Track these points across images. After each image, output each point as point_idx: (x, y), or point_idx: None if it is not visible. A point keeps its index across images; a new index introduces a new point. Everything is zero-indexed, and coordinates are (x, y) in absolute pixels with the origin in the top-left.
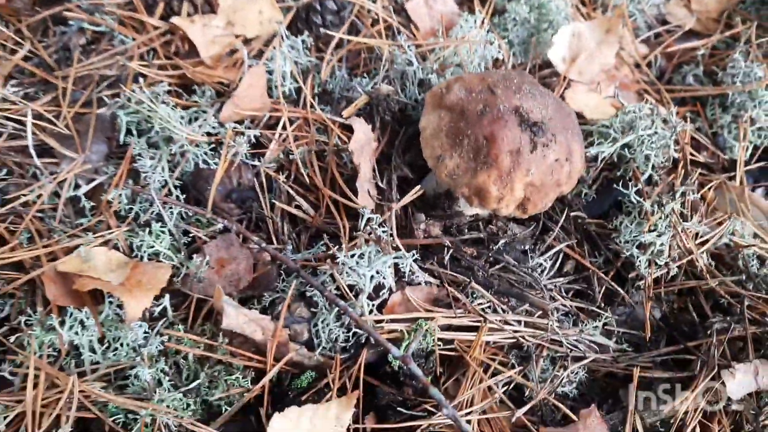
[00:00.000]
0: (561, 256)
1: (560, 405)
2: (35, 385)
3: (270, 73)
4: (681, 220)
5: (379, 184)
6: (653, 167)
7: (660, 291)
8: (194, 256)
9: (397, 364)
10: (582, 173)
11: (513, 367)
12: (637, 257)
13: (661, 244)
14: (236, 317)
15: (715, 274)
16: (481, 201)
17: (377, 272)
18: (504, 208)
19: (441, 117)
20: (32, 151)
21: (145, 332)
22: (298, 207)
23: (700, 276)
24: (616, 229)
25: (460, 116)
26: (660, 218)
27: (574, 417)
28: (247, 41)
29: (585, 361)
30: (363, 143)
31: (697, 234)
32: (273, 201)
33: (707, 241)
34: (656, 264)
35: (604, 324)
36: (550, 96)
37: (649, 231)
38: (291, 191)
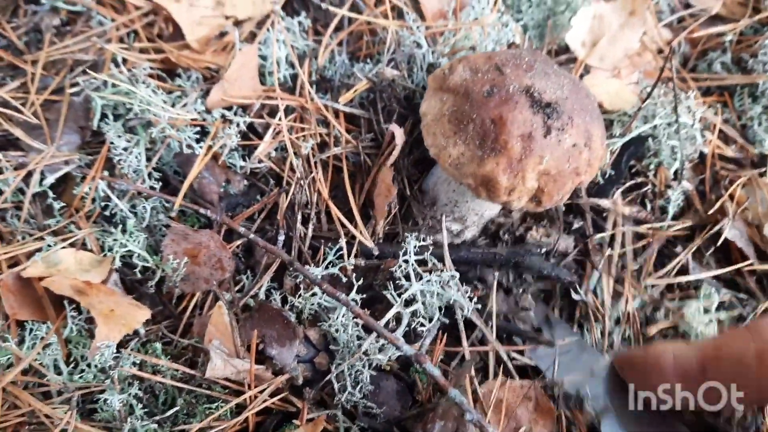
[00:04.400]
0: None
1: None
2: None
3: (263, 58)
4: None
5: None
6: (680, 161)
7: None
8: (169, 256)
9: None
10: (603, 160)
11: None
12: None
13: None
14: (223, 368)
15: None
16: (489, 193)
17: None
18: (515, 200)
19: (443, 101)
20: None
21: (115, 353)
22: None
23: None
24: None
25: (465, 99)
26: None
27: None
28: (238, 23)
29: None
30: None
31: None
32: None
33: None
34: None
35: None
36: (566, 75)
37: None
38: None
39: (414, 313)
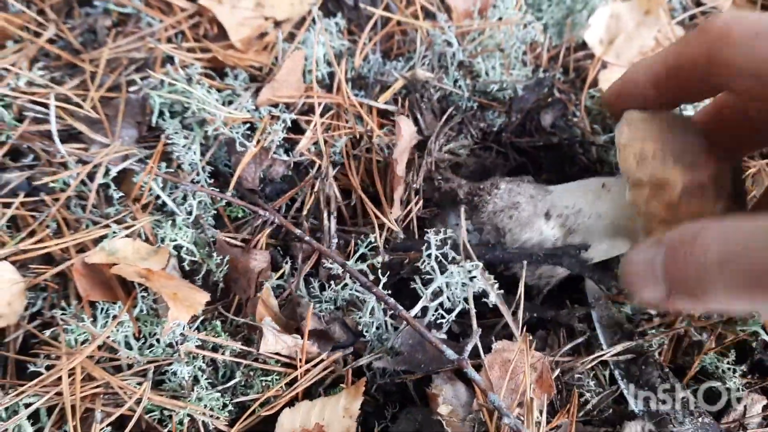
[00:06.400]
0: None
1: None
2: (72, 381)
3: (304, 57)
4: None
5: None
6: None
7: None
8: (214, 254)
9: None
10: None
11: None
12: None
13: None
14: (275, 344)
15: None
16: (653, 195)
17: None
18: (649, 213)
19: (661, 118)
20: (56, 137)
21: (182, 331)
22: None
23: None
24: None
25: (683, 128)
26: None
27: None
28: (277, 24)
29: None
30: (407, 145)
31: None
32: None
33: None
34: None
35: None
36: None
37: None
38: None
39: (441, 305)
